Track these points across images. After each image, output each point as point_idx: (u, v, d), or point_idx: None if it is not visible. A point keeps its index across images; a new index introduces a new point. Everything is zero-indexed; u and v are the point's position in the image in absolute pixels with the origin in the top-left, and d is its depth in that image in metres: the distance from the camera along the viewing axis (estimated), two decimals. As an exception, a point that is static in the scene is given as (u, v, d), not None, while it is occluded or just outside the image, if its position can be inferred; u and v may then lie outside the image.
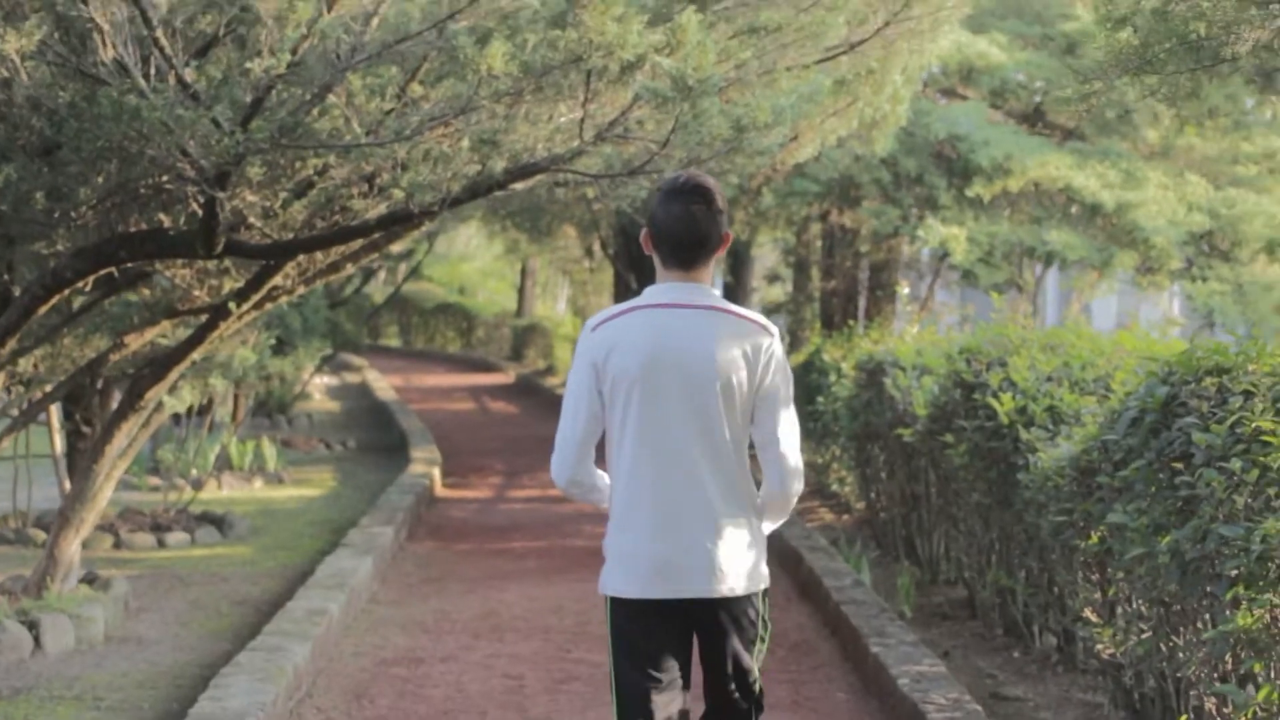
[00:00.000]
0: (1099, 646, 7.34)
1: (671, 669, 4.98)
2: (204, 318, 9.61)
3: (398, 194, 7.50)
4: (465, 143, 7.49)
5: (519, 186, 8.07)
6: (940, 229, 13.98)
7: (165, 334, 10.12)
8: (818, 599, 10.68)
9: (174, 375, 9.79)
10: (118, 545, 13.13)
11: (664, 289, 4.92)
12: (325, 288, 22.89)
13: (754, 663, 5.02)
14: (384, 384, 31.60)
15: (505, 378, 35.43)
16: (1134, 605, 7.01)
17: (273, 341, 12.89)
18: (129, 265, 8.65)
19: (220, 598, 10.98)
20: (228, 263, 9.41)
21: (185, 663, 9.05)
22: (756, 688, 5.07)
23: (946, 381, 9.88)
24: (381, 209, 7.86)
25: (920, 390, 10.64)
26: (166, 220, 8.28)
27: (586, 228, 27.13)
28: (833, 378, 14.36)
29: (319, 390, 31.08)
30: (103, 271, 8.50)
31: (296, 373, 14.72)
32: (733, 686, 5.02)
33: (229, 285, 9.58)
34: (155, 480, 16.16)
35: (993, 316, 9.98)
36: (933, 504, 11.09)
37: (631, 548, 4.91)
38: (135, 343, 9.83)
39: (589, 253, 33.43)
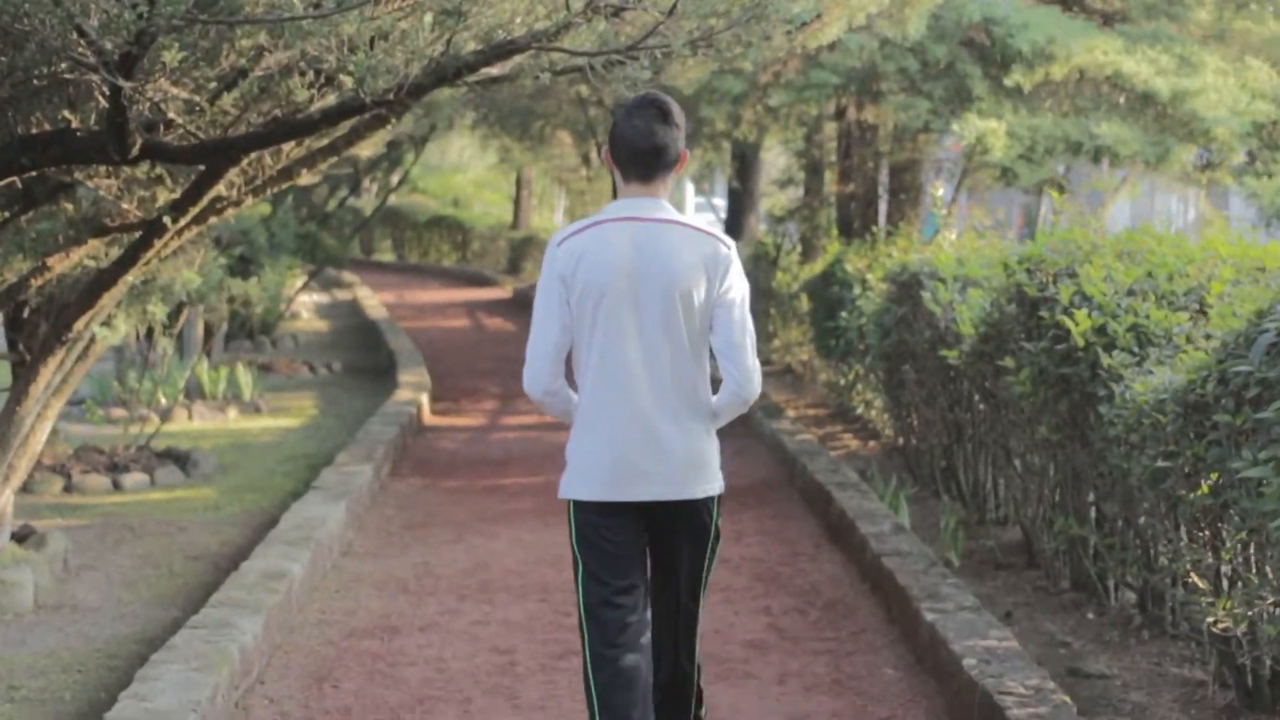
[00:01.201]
0: (1209, 619, 6.01)
1: (634, 575, 5.10)
2: (138, 235, 8.25)
3: (347, 81, 6.11)
4: (427, 18, 6.10)
5: (494, 71, 6.66)
6: (978, 122, 12.47)
7: (96, 255, 8.74)
8: (852, 547, 9.35)
9: (106, 302, 8.43)
10: (68, 489, 11.83)
11: (624, 204, 5.10)
12: (299, 201, 21.56)
13: (706, 569, 5.18)
14: (374, 301, 30.26)
15: (502, 292, 34.06)
16: (1260, 573, 5.70)
17: (223, 261, 11.53)
18: (35, 174, 7.28)
19: (175, 551, 9.69)
20: (160, 170, 8.05)
21: (124, 636, 7.77)
22: (702, 593, 5.21)
23: (1000, 296, 8.53)
24: (330, 100, 6.47)
25: (965, 305, 9.30)
26: (74, 119, 6.88)
27: (582, 134, 25.67)
28: (857, 290, 12.98)
29: (307, 309, 29.77)
30: (3, 181, 7.12)
31: (263, 295, 13.26)
32: (684, 591, 5.16)
33: (164, 197, 8.19)
34: (120, 412, 14.83)
35: (1053, 220, 8.59)
36: (980, 434, 9.77)
37: (597, 452, 5.05)
38: (60, 265, 8.45)
39: (585, 160, 31.98)
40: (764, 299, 19.56)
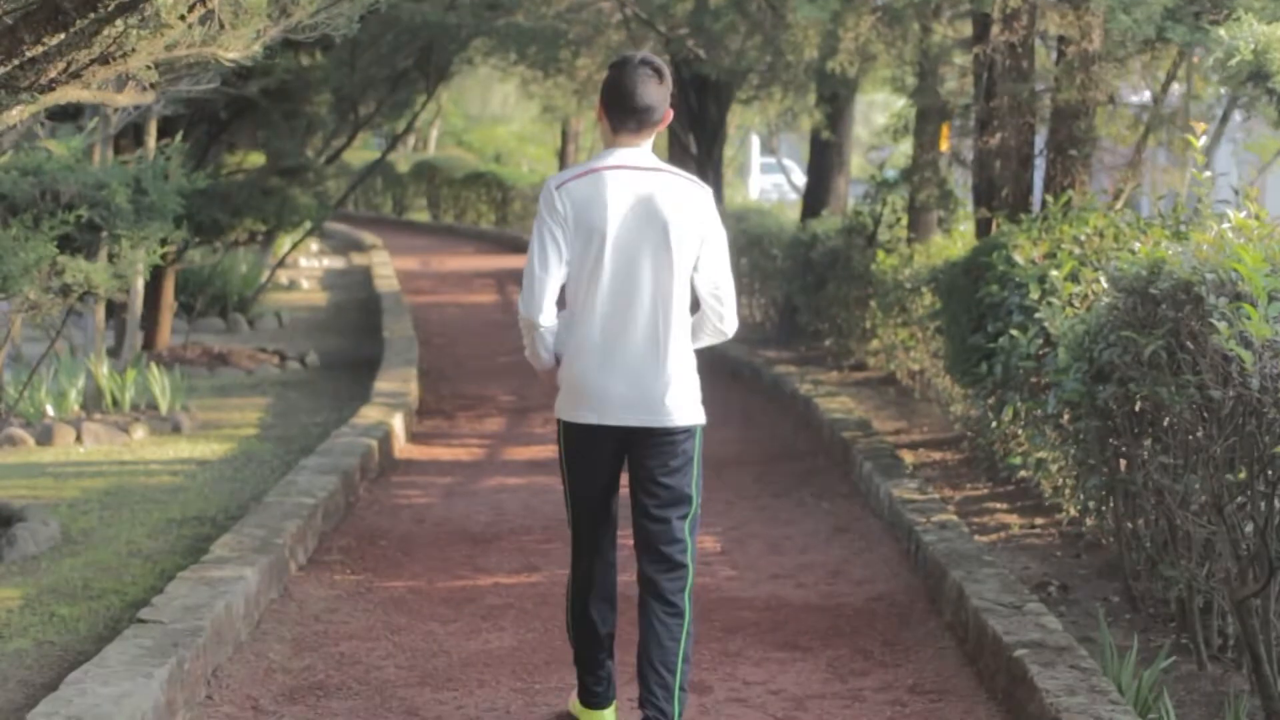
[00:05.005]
0: None
1: (613, 489, 5.58)
2: None
3: None
4: None
5: None
6: (1256, 27, 7.80)
7: None
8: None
9: None
10: None
11: (617, 153, 5.53)
12: (272, 149, 17.30)
13: (692, 489, 5.52)
14: (389, 270, 25.93)
15: (541, 260, 29.66)
16: None
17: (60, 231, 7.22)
18: None
19: None
20: None
21: None
22: (693, 513, 5.53)
23: None
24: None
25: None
26: None
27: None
28: (1033, 293, 8.46)
29: (311, 277, 25.56)
30: None
31: (111, 281, 8.80)
32: (666, 510, 5.47)
33: None
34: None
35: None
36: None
37: (589, 378, 5.43)
38: None
39: (638, 109, 27.47)
40: (858, 284, 15.02)
